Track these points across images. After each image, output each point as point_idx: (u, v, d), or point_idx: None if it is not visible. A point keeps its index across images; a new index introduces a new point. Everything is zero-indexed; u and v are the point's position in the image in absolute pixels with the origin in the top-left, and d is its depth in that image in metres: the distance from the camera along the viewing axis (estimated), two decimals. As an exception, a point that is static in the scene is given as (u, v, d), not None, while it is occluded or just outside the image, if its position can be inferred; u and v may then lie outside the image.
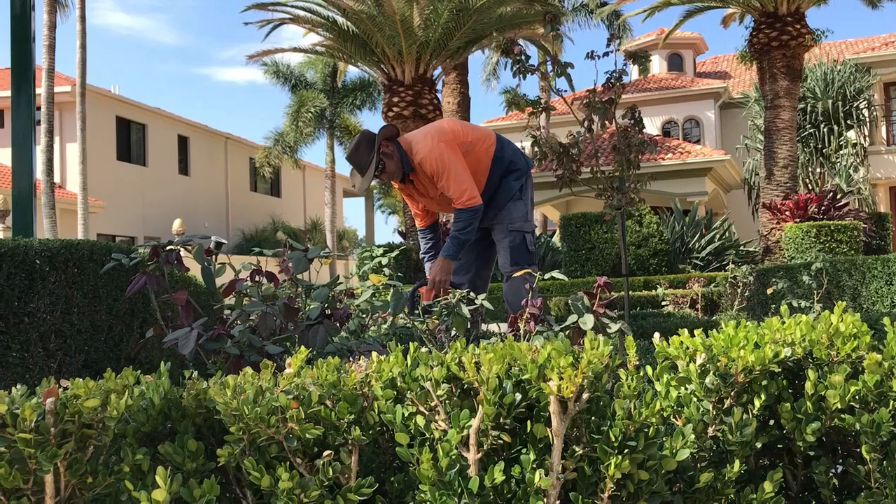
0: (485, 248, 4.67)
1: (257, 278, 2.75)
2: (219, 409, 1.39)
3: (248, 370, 1.54)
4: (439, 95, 15.73)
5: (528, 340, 2.37)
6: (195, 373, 1.66)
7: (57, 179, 20.06)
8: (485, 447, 1.43)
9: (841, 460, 1.69)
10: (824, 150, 21.20)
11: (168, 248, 2.62)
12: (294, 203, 33.23)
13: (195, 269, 3.28)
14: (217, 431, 1.52)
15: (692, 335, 1.73)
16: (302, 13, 14.52)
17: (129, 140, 24.72)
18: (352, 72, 26.56)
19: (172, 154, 26.45)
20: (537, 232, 24.20)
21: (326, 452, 1.43)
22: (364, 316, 3.74)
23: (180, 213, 23.68)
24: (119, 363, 4.01)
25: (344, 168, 32.02)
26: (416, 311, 3.57)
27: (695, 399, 1.64)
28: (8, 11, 5.11)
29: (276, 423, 1.36)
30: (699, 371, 1.66)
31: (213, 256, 3.00)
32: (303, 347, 1.54)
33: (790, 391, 1.68)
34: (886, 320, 1.71)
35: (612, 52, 5.93)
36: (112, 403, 1.33)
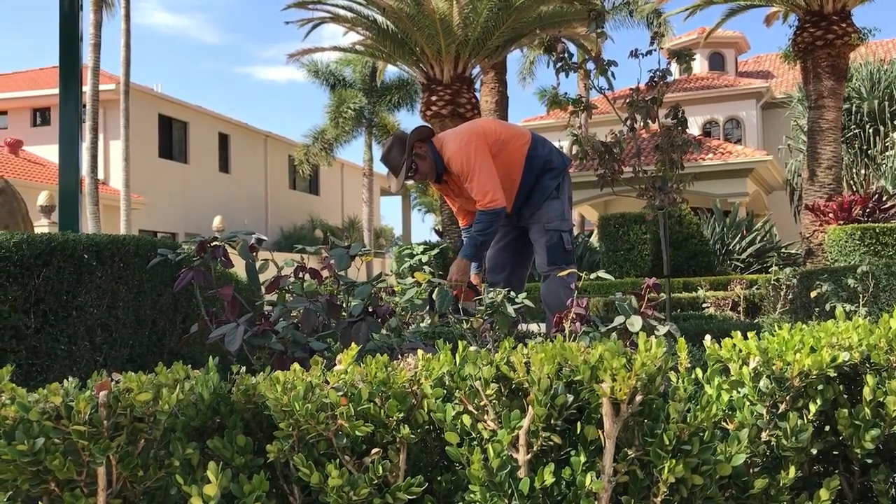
0: (522, 247, 4.64)
1: (301, 275, 2.76)
2: (269, 404, 1.39)
3: (297, 366, 1.54)
4: (477, 94, 15.71)
5: (574, 341, 2.35)
6: (243, 368, 1.67)
7: (101, 176, 20.41)
8: (535, 448, 1.42)
9: (900, 469, 1.65)
10: (869, 152, 20.76)
11: (214, 243, 2.63)
12: (332, 201, 33.47)
13: (237, 266, 3.30)
14: (265, 427, 1.52)
15: (745, 337, 1.69)
16: (342, 12, 14.60)
17: (171, 138, 25.08)
18: (390, 71, 26.64)
19: (213, 152, 26.78)
20: (574, 231, 24.06)
21: (375, 450, 1.43)
22: (404, 314, 3.74)
23: (220, 210, 23.96)
24: (162, 357, 4.06)
25: (381, 167, 32.20)
26: (434, 311, 3.56)
27: (748, 403, 1.61)
28: (57, 11, 5.19)
29: (325, 420, 1.36)
30: (752, 374, 1.62)
31: (255, 253, 3.02)
32: (353, 344, 1.53)
33: (846, 397, 1.64)
34: (949, 325, 1.66)
35: (654, 50, 5.85)
36: (164, 397, 1.34)
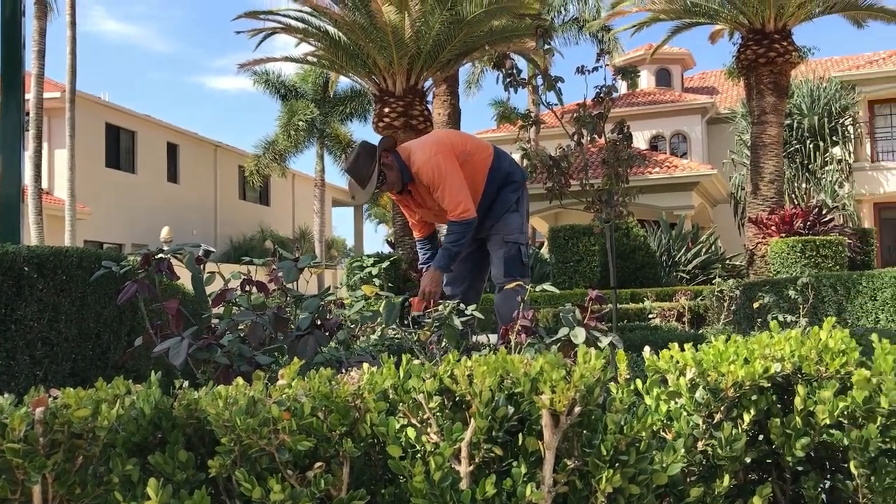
0: (480, 260, 4.66)
1: (247, 288, 2.74)
2: (210, 419, 1.38)
3: (240, 380, 1.53)
4: (430, 107, 15.76)
5: (518, 353, 2.38)
6: (185, 383, 1.66)
7: (45, 185, 19.92)
8: (476, 460, 1.44)
9: (829, 476, 1.70)
10: (810, 166, 21.37)
11: (159, 256, 2.61)
12: (283, 212, 33.18)
13: (184, 278, 3.27)
14: (208, 442, 1.51)
15: (681, 349, 1.73)
16: (294, 23, 14.53)
17: (119, 147, 24.63)
18: (343, 82, 26.57)
19: (161, 161, 26.37)
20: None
21: (318, 464, 1.43)
22: (354, 327, 3.74)
23: (168, 220, 23.57)
24: (106, 371, 3.98)
25: (333, 177, 31.92)
26: (406, 322, 3.57)
27: (685, 413, 1.65)
28: (-1, 17, 5.08)
29: (267, 435, 1.36)
30: (689, 385, 1.67)
31: (203, 265, 3.00)
32: (296, 358, 1.53)
33: (779, 406, 1.69)
34: (875, 336, 1.73)
35: (601, 66, 5.96)
36: (103, 413, 1.32)
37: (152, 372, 1.67)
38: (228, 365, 2.33)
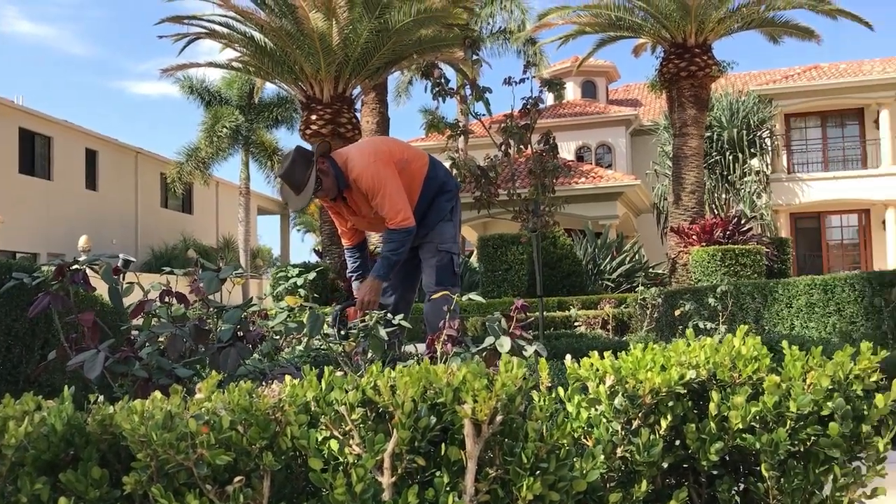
0: (411, 271, 4.63)
1: (167, 299, 2.68)
2: (125, 434, 1.34)
3: (157, 394, 1.50)
4: (358, 115, 15.71)
5: (445, 362, 2.38)
6: (101, 397, 1.61)
7: (-47, 192, 19.12)
8: (399, 471, 1.43)
9: (742, 479, 1.76)
10: (729, 177, 22.10)
11: (74, 266, 2.53)
12: (206, 220, 32.53)
13: (102, 289, 3.18)
14: (123, 458, 1.47)
15: (602, 357, 1.77)
16: (219, 28, 14.31)
17: (34, 153, 23.77)
18: (270, 89, 26.29)
19: (79, 168, 25.56)
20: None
21: (237, 478, 1.40)
22: (278, 338, 3.68)
23: (87, 229, 22.85)
24: (19, 386, 3.84)
25: (259, 185, 31.43)
26: (343, 333, 3.53)
27: (604, 420, 1.68)
28: None
29: (185, 450, 1.33)
30: (608, 393, 1.70)
31: (121, 275, 2.92)
32: (214, 371, 1.51)
33: (695, 412, 1.74)
34: (785, 343, 1.80)
35: (528, 78, 6.06)
36: (10, 431, 1.28)
37: (66, 386, 1.61)
38: (147, 378, 2.27)
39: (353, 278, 4.64)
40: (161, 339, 2.59)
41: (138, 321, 2.73)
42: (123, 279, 2.91)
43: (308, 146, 4.54)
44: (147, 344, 2.52)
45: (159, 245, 28.11)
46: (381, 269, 4.20)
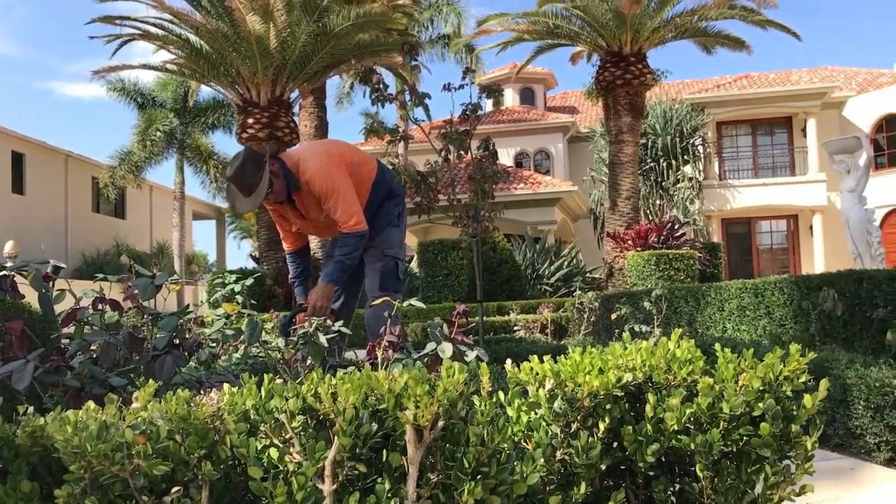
0: (356, 277, 4.58)
1: (100, 306, 2.61)
2: (58, 446, 1.31)
3: (91, 404, 1.46)
4: (296, 118, 15.57)
5: (386, 368, 2.38)
6: (31, 408, 1.56)
7: None
8: (340, 478, 1.43)
9: (678, 479, 1.80)
10: (663, 184, 22.59)
11: (1, 273, 2.45)
12: (140, 225, 31.79)
13: (31, 296, 3.08)
14: (55, 470, 1.43)
15: (542, 361, 1.79)
16: (153, 29, 14.02)
17: (-44, 155, 22.93)
18: (206, 91, 25.85)
19: (5, 172, 24.71)
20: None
21: (175, 489, 1.38)
22: (215, 346, 3.61)
23: (13, 234, 22.11)
24: (-60, 398, 3.69)
25: (194, 189, 30.89)
26: (293, 339, 3.48)
27: (544, 424, 1.70)
28: None
29: (121, 460, 1.30)
30: (548, 396, 1.72)
31: (52, 282, 2.84)
32: (151, 380, 1.48)
33: (632, 414, 1.77)
34: (718, 346, 1.84)
35: (467, 84, 6.09)
36: (-65, 445, 1.23)
37: (-8, 398, 1.56)
38: (79, 388, 2.21)
39: (294, 284, 4.57)
40: (94, 347, 2.52)
41: (69, 329, 2.65)
42: (54, 286, 2.83)
43: (276, 143, 4.49)
44: (79, 353, 2.45)
45: (91, 251, 27.36)
46: (334, 274, 4.14)
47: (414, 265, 16.61)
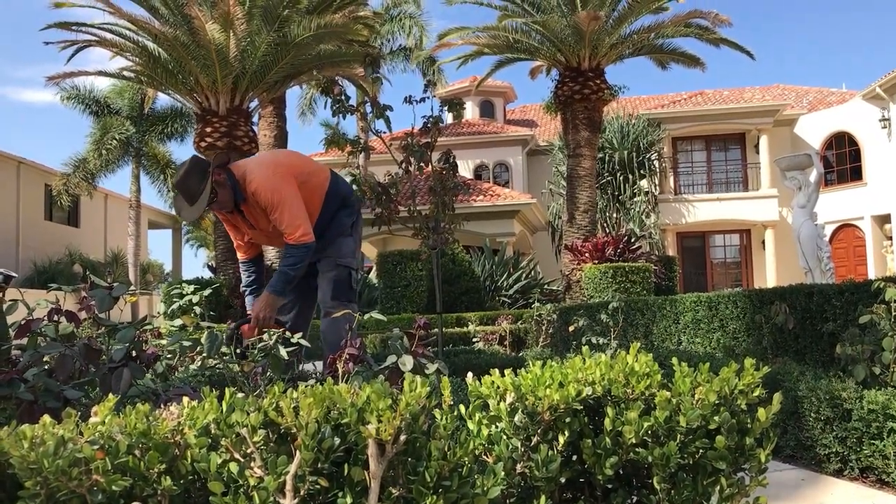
0: (309, 288, 4.56)
1: (56, 317, 2.57)
2: (13, 462, 1.29)
3: (47, 418, 1.44)
4: (255, 128, 15.46)
5: (347, 381, 2.38)
6: (-16, 423, 1.53)
7: None
8: (302, 493, 1.42)
9: (636, 491, 1.82)
10: (620, 197, 22.88)
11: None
12: (94, 234, 31.19)
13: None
14: (9, 486, 1.40)
15: (502, 373, 1.81)
16: (109, 36, 13.83)
17: None
18: (163, 99, 25.54)
19: (-46, 177, 24.12)
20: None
21: (133, 504, 1.36)
22: (171, 358, 3.57)
23: (-39, 241, 21.55)
24: None
25: (150, 198, 30.47)
26: (239, 351, 3.45)
27: (505, 437, 1.72)
28: None
29: (78, 476, 1.28)
30: (509, 410, 1.74)
31: (2, 292, 2.78)
32: (111, 394, 1.46)
33: (591, 427, 1.80)
34: (675, 359, 1.88)
35: (428, 97, 6.13)
36: None
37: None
38: (33, 401, 2.17)
39: (246, 293, 4.54)
40: (46, 359, 2.48)
41: (21, 341, 2.60)
42: (4, 296, 2.77)
43: (224, 153, 4.46)
44: (31, 365, 2.40)
45: (42, 259, 26.76)
46: (277, 285, 4.10)
47: (373, 276, 16.57)
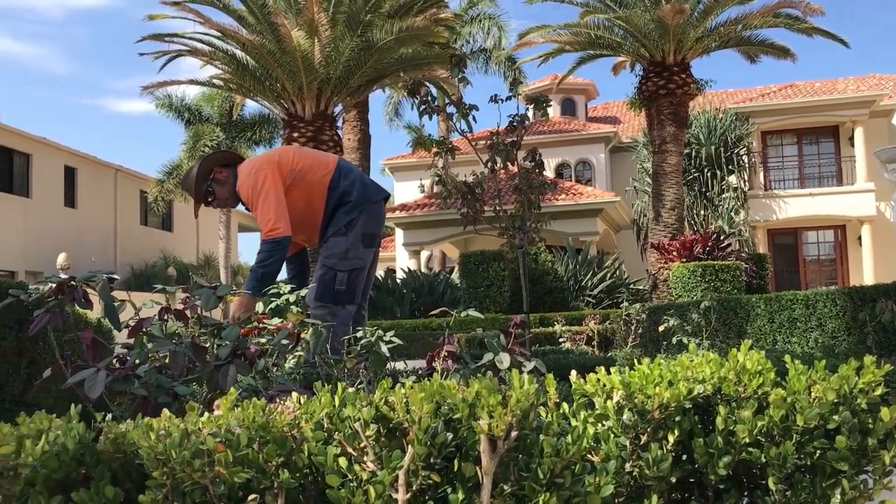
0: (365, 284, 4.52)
1: (165, 316, 2.66)
2: (142, 453, 1.34)
3: (166, 412, 1.49)
4: (339, 132, 15.72)
5: (445, 379, 2.39)
6: (108, 415, 1.60)
7: (-72, 210, 18.87)
8: (414, 487, 1.43)
9: (748, 492, 1.77)
10: (707, 194, 22.32)
11: (72, 283, 2.51)
12: (187, 238, 32.31)
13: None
14: (135, 477, 1.46)
15: (594, 372, 1.78)
16: (200, 45, 14.30)
17: (12, 170, 23.56)
18: (251, 106, 26.27)
19: (58, 185, 25.35)
20: (436, 267, 24.33)
21: (251, 497, 1.40)
22: (271, 356, 3.64)
23: (65, 246, 22.62)
24: (4, 406, 3.79)
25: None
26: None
27: (612, 436, 1.69)
28: None
29: (202, 467, 1.32)
30: (616, 408, 1.71)
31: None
32: (233, 389, 1.50)
33: (701, 427, 1.75)
34: (787, 357, 1.82)
35: (514, 95, 6.11)
36: (27, 450, 1.26)
37: (72, 405, 1.60)
38: (146, 396, 2.25)
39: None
40: (155, 356, 2.56)
41: (128, 340, 2.70)
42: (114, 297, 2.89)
43: (230, 152, 4.63)
44: (139, 361, 2.49)
45: (138, 263, 27.88)
46: (248, 283, 4.04)
47: (455, 276, 16.61)
